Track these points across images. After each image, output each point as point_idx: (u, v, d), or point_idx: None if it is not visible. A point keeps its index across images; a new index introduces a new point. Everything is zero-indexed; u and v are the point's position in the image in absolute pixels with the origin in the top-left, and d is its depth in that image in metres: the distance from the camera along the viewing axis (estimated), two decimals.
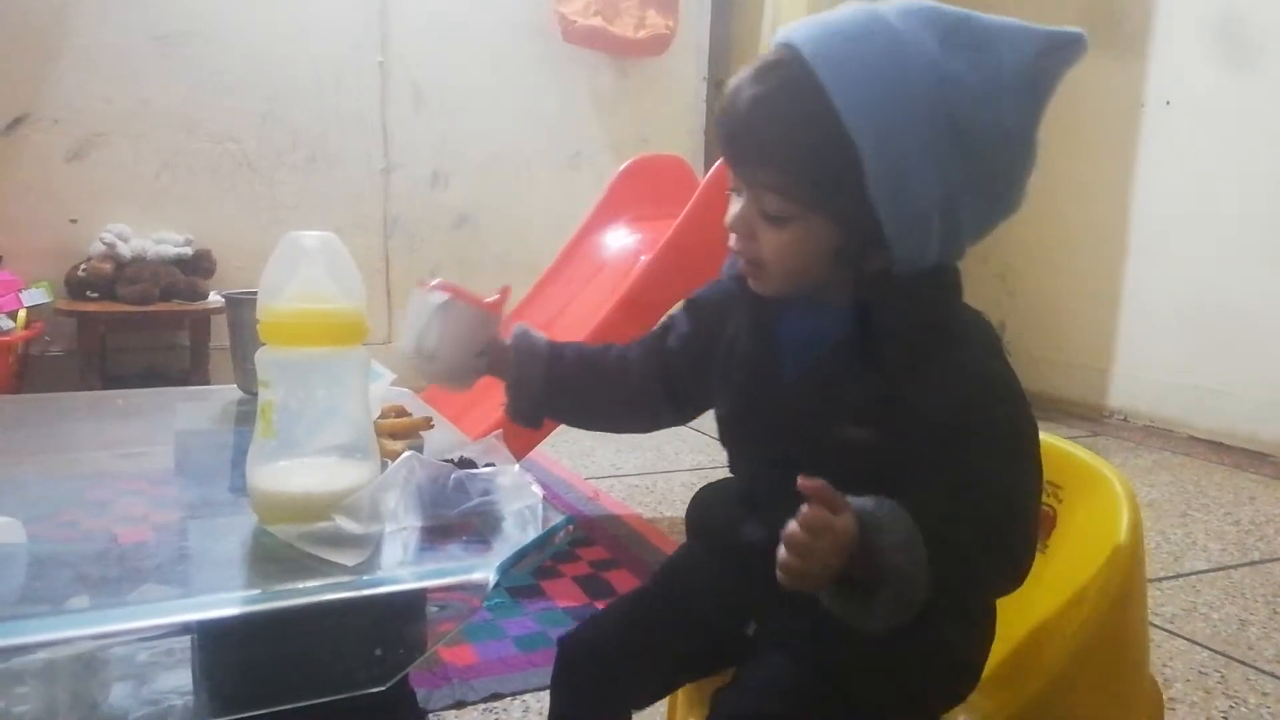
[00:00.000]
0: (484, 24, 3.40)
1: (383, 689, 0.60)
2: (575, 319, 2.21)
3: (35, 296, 2.70)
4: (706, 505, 0.86)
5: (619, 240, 2.43)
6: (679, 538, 0.89)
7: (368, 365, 0.75)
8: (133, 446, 1.01)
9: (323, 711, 0.59)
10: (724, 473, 0.87)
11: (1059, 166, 3.40)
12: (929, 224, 0.69)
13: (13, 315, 2.58)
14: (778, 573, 0.62)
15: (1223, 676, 1.49)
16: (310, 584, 0.60)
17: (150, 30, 2.96)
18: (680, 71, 3.72)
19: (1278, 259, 2.82)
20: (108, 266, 2.84)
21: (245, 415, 1.03)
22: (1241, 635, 1.64)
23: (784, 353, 0.78)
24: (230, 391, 1.17)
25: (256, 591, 0.61)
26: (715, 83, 3.78)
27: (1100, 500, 0.90)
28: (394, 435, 0.88)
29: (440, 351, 0.83)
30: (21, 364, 2.68)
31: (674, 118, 3.73)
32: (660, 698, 0.91)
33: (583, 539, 1.94)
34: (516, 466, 0.76)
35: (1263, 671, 1.51)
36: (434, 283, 0.85)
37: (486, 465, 0.75)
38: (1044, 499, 0.96)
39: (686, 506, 0.89)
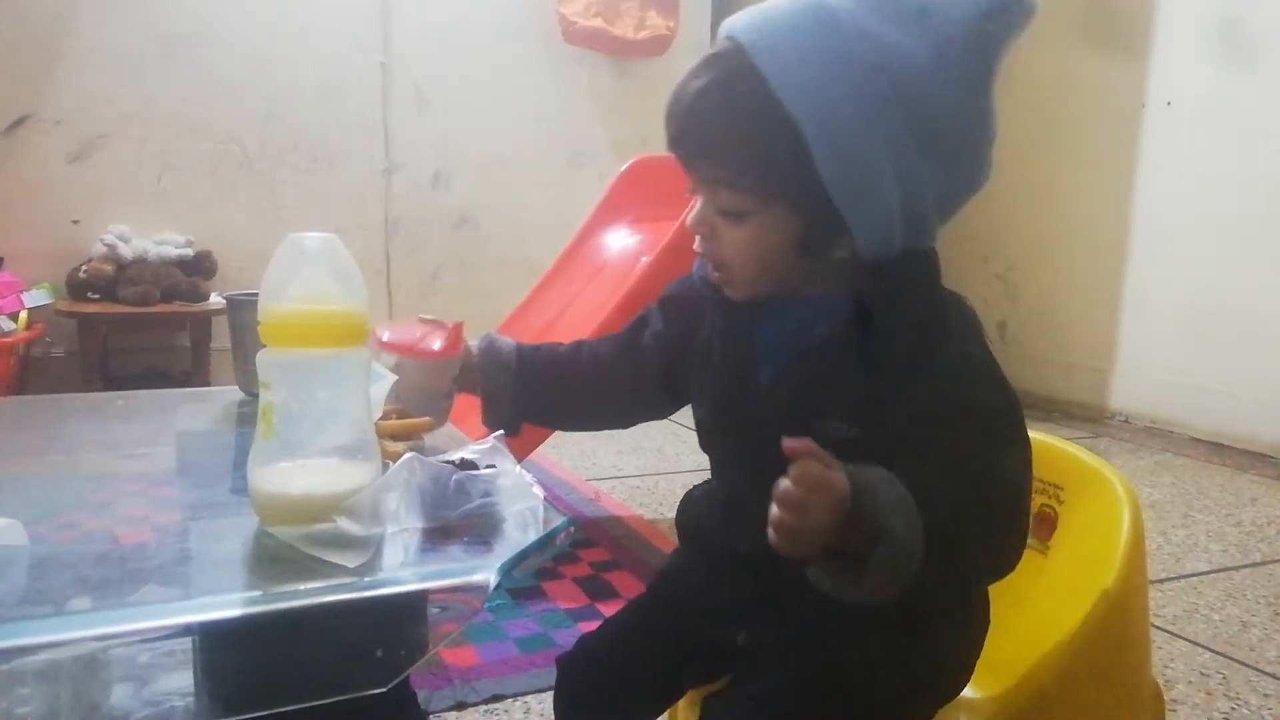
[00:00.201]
0: (485, 25, 3.40)
1: (384, 690, 0.60)
2: (576, 320, 2.22)
3: (36, 298, 2.70)
4: (693, 509, 0.85)
5: (620, 241, 2.43)
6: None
7: (369, 366, 0.75)
8: (134, 448, 1.01)
9: (324, 713, 0.59)
10: None
11: (1060, 167, 3.41)
12: (888, 204, 0.68)
13: (14, 316, 2.59)
14: (771, 534, 0.59)
15: (1224, 678, 1.49)
16: (311, 585, 0.60)
17: (152, 31, 2.97)
18: (681, 72, 3.69)
19: (1278, 260, 2.82)
20: (109, 268, 2.84)
21: (246, 416, 1.03)
22: (1243, 637, 1.64)
23: (759, 356, 0.77)
24: (231, 393, 1.18)
25: (258, 593, 0.61)
26: None
27: (1101, 501, 0.90)
28: (395, 436, 0.88)
29: (402, 404, 0.84)
30: (23, 365, 2.68)
31: None
32: (663, 709, 0.91)
33: (584, 540, 1.94)
34: (518, 468, 0.76)
35: (1264, 673, 1.51)
36: (383, 336, 0.86)
37: (488, 467, 0.75)
38: (1045, 500, 0.96)
39: (676, 510, 0.88)
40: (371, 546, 0.65)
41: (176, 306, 2.89)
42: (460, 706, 1.31)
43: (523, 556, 0.66)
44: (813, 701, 0.72)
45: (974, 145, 0.71)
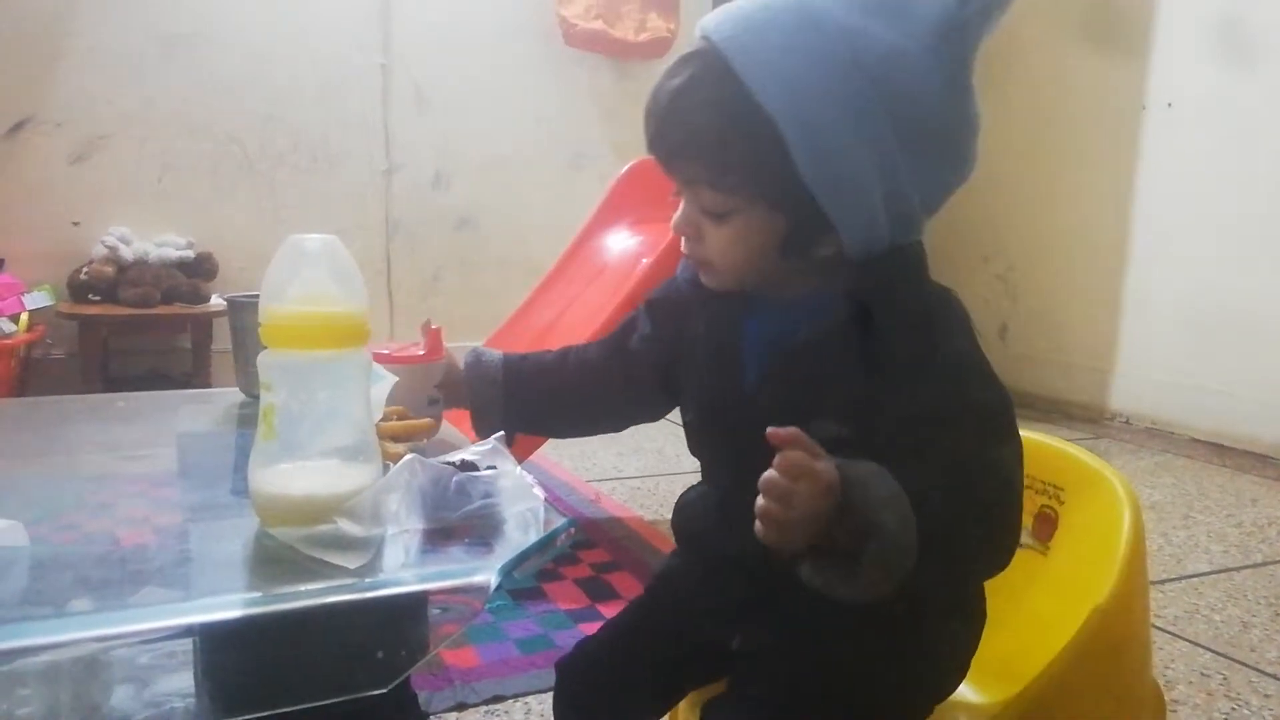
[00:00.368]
0: (486, 26, 3.40)
1: (384, 691, 0.60)
2: (576, 321, 2.22)
3: (37, 299, 2.70)
4: (688, 512, 0.85)
5: (620, 242, 2.44)
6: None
7: (369, 368, 0.75)
8: (134, 449, 1.01)
9: (325, 714, 0.59)
10: None
11: (1060, 168, 3.40)
12: (871, 199, 0.68)
13: (15, 318, 2.59)
14: (757, 525, 0.57)
15: (1225, 679, 1.49)
16: (312, 586, 0.60)
17: (152, 32, 2.97)
18: None
19: (1279, 260, 2.82)
20: (109, 269, 2.85)
21: (247, 418, 1.03)
22: (1244, 637, 1.64)
23: (744, 358, 0.77)
24: (232, 394, 1.17)
25: (258, 594, 0.61)
26: None
27: (1102, 502, 0.90)
28: (396, 438, 0.88)
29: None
30: (23, 367, 2.68)
31: None
32: (663, 712, 0.91)
33: (584, 541, 1.94)
34: (518, 469, 0.76)
35: (1265, 674, 1.51)
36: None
37: (488, 468, 0.75)
38: (1046, 501, 0.96)
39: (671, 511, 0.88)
40: (372, 548, 0.65)
41: (177, 308, 2.89)
42: (461, 707, 1.31)
43: (523, 558, 0.66)
44: (810, 701, 0.72)
45: (957, 138, 0.71)
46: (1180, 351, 3.08)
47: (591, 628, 0.91)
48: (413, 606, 0.63)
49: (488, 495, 0.72)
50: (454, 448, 0.82)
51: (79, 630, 0.54)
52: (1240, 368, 2.90)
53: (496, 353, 0.90)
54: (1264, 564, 2.00)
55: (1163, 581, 1.89)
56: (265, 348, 0.69)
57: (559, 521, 0.71)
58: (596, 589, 1.71)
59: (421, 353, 0.90)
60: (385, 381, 0.86)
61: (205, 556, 0.70)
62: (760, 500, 0.57)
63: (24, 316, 2.62)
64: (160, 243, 2.95)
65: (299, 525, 0.66)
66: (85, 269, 2.86)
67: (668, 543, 2.01)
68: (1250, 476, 2.68)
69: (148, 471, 0.93)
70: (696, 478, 0.86)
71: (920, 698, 0.77)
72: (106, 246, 2.86)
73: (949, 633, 0.77)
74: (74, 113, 2.92)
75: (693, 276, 0.81)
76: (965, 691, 0.80)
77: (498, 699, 1.33)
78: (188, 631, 0.56)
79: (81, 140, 2.94)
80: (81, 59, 2.91)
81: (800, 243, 0.71)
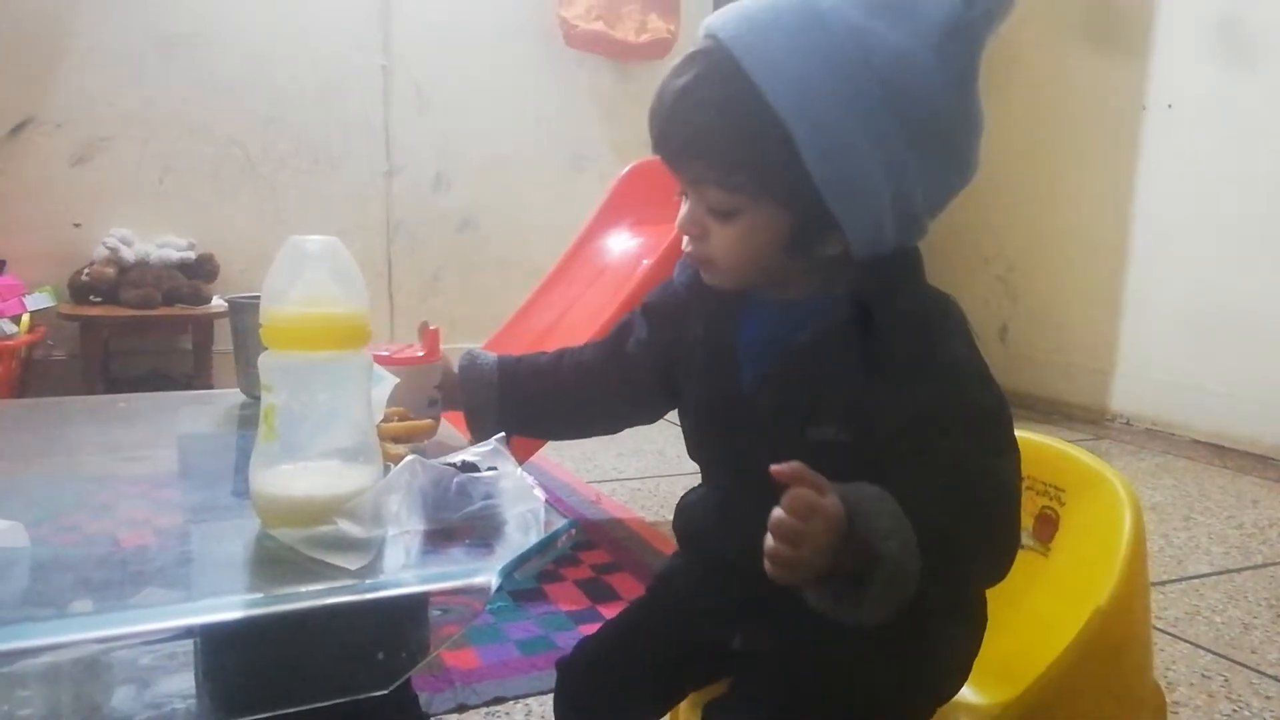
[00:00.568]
0: (486, 27, 3.40)
1: (385, 692, 0.60)
2: (577, 322, 2.22)
3: (38, 301, 2.71)
4: (688, 514, 0.85)
5: (621, 244, 2.44)
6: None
7: (370, 369, 0.75)
8: (135, 450, 1.01)
9: (326, 715, 0.59)
10: None
11: (1060, 168, 3.40)
12: (877, 198, 0.68)
13: (16, 320, 2.59)
14: (767, 565, 0.58)
15: (1226, 680, 1.49)
16: (313, 588, 0.60)
17: (153, 33, 2.97)
18: None
19: (1279, 260, 2.82)
20: (111, 271, 2.85)
21: (248, 419, 1.03)
22: (1245, 639, 1.64)
23: (742, 360, 0.77)
24: (233, 395, 1.18)
25: (259, 595, 0.61)
26: None
27: (1102, 503, 0.90)
28: (396, 439, 0.88)
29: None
30: (24, 368, 2.69)
31: None
32: (664, 712, 0.91)
33: (585, 543, 1.94)
34: (519, 470, 0.76)
35: (1266, 675, 1.51)
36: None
37: (489, 469, 0.75)
38: (1046, 502, 0.96)
39: (673, 513, 0.88)
40: (373, 549, 0.65)
41: (178, 309, 2.89)
42: (461, 709, 1.31)
43: (524, 559, 0.66)
44: (811, 702, 0.72)
45: (962, 139, 0.71)
46: (1180, 352, 3.08)
47: (592, 629, 0.91)
48: (413, 608, 0.63)
49: (488, 496, 0.72)
50: (454, 449, 0.82)
51: (80, 631, 0.54)
52: (1240, 368, 2.90)
53: (491, 355, 0.90)
54: (1265, 565, 2.00)
55: (1163, 583, 1.88)
56: (266, 349, 0.69)
57: (560, 523, 0.71)
58: (597, 590, 1.71)
59: (421, 354, 0.90)
60: (386, 383, 0.86)
61: (206, 558, 0.70)
62: (769, 541, 0.57)
63: (25, 318, 2.62)
64: (161, 244, 2.95)
65: (300, 526, 0.67)
66: (86, 270, 2.86)
67: (668, 544, 2.01)
68: (1251, 478, 2.68)
69: (149, 473, 0.93)
70: (697, 479, 0.86)
71: (921, 699, 0.77)
72: (108, 248, 2.86)
73: (950, 635, 0.77)
74: (75, 114, 2.92)
75: (690, 279, 0.80)
76: (966, 692, 0.80)
77: (498, 700, 1.33)
78: (188, 633, 0.56)
79: (82, 141, 2.94)
80: (82, 60, 2.91)
81: (805, 242, 0.71)
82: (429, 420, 0.94)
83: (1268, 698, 1.44)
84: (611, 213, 2.49)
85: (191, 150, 3.06)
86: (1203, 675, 1.50)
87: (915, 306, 0.71)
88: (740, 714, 0.75)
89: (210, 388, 2.80)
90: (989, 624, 0.80)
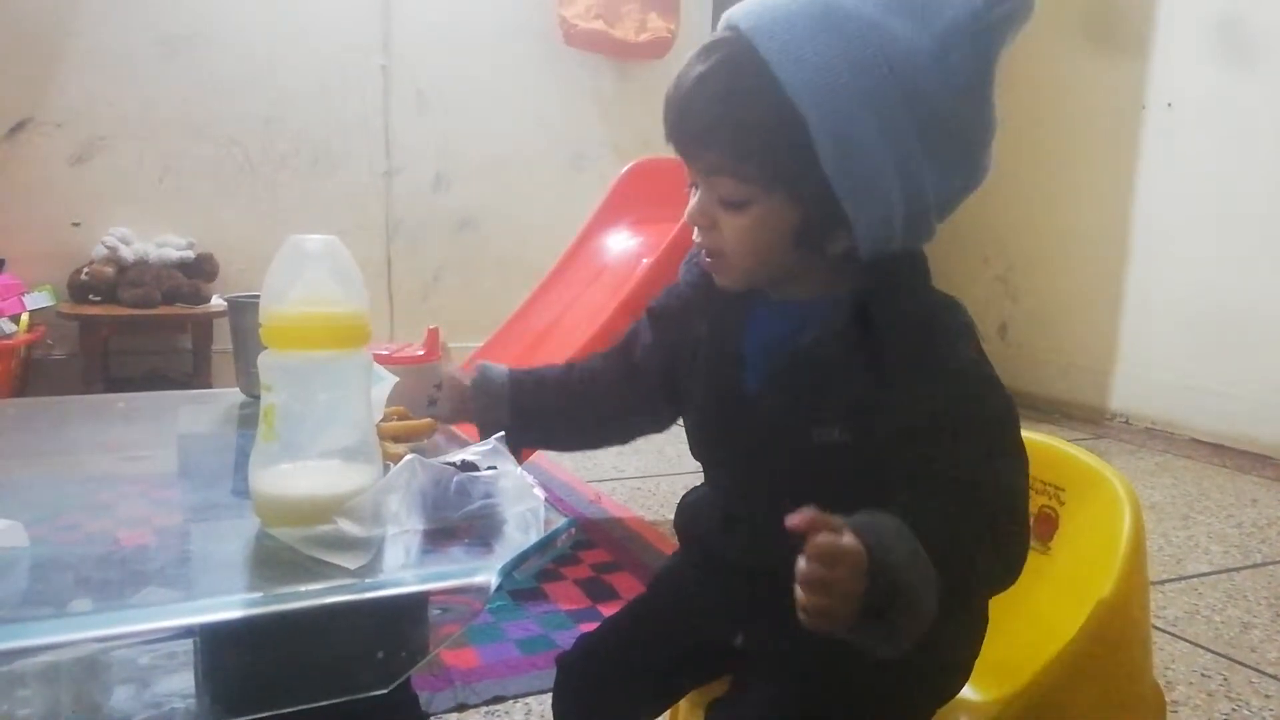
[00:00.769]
0: (486, 27, 3.40)
1: (385, 692, 0.60)
2: (577, 322, 2.22)
3: (38, 300, 2.71)
4: (690, 513, 0.85)
5: (621, 243, 2.44)
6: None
7: (370, 368, 0.75)
8: (135, 450, 1.01)
9: (325, 714, 0.59)
10: None
11: (1060, 168, 3.41)
12: (888, 195, 0.68)
13: (15, 319, 2.59)
14: (803, 618, 0.57)
15: (1225, 679, 1.49)
16: (312, 587, 0.60)
17: (153, 33, 2.97)
18: None
19: (1279, 260, 2.82)
20: (110, 270, 2.85)
21: (247, 418, 1.03)
22: (1244, 638, 1.64)
23: (747, 360, 0.77)
24: (233, 394, 1.18)
25: (259, 594, 0.61)
26: None
27: (1102, 502, 0.90)
28: (396, 438, 0.88)
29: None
30: (24, 367, 2.69)
31: None
32: (663, 709, 0.91)
33: (584, 542, 1.94)
34: (518, 469, 0.76)
35: (1265, 674, 1.51)
36: None
37: (489, 468, 0.75)
38: (1046, 501, 0.96)
39: (674, 512, 0.88)
40: (372, 548, 0.65)
41: (178, 309, 2.89)
42: (461, 708, 1.31)
43: (523, 558, 0.66)
44: (812, 702, 0.72)
45: (975, 142, 0.71)
46: (1180, 351, 3.08)
47: (592, 628, 0.91)
48: (413, 607, 0.63)
49: (488, 495, 0.72)
50: (463, 443, 0.82)
51: (79, 631, 0.54)
52: (1240, 368, 2.91)
53: (502, 368, 0.90)
54: (1264, 564, 2.00)
55: (1163, 582, 1.89)
56: (266, 348, 0.69)
57: (559, 522, 0.71)
58: (597, 589, 1.71)
59: (421, 353, 0.90)
60: (386, 382, 0.86)
61: (206, 557, 0.70)
62: (800, 593, 0.56)
63: (24, 317, 2.62)
64: (161, 243, 2.95)
65: (299, 526, 0.67)
66: (86, 269, 2.86)
67: (668, 543, 2.02)
68: (1250, 477, 2.68)
69: (148, 472, 0.93)
70: (697, 478, 0.86)
71: (922, 699, 0.77)
72: (107, 247, 2.86)
73: (952, 635, 0.77)
74: (74, 114, 2.92)
75: (695, 278, 0.81)
76: (966, 691, 0.80)
77: (498, 699, 1.33)
78: (188, 632, 0.56)
79: (82, 141, 2.94)
80: (82, 60, 2.91)
81: (814, 237, 0.71)
82: (429, 420, 0.94)
83: (1267, 696, 1.44)
84: (611, 212, 2.49)
85: (191, 150, 3.06)
86: (1202, 674, 1.50)
87: (920, 308, 0.71)
88: (743, 713, 0.75)
89: (209, 387, 2.80)
90: (989, 623, 0.80)
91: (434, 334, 0.91)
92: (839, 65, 0.66)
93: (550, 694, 0.88)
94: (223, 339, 2.83)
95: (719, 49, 0.70)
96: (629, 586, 1.71)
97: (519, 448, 0.88)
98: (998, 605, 0.81)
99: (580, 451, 0.91)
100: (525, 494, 0.73)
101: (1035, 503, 0.96)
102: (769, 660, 0.76)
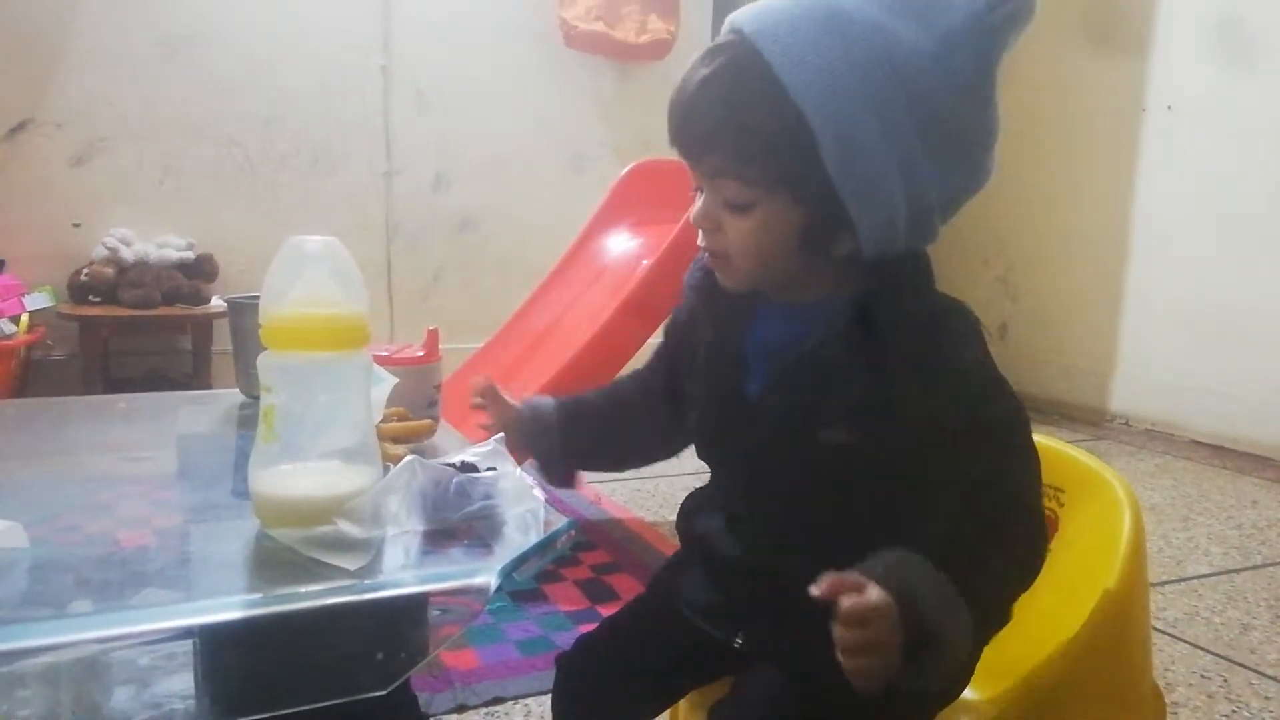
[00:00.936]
0: (486, 28, 3.40)
1: (384, 693, 0.60)
2: (577, 322, 2.22)
3: (37, 301, 2.70)
4: (693, 513, 0.86)
5: (621, 244, 2.44)
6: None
7: (370, 369, 0.75)
8: (135, 450, 1.01)
9: (325, 715, 0.59)
10: None
11: (1060, 170, 3.41)
12: (891, 196, 0.68)
13: (15, 319, 2.59)
14: (853, 682, 0.59)
15: (1225, 681, 1.49)
16: (312, 588, 0.60)
17: (153, 34, 2.97)
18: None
19: (1279, 260, 2.82)
20: (110, 271, 2.84)
21: (247, 419, 1.03)
22: (1244, 639, 1.64)
23: (750, 363, 0.77)
24: (232, 395, 1.18)
25: (258, 595, 0.61)
26: None
27: (1102, 504, 0.90)
28: (396, 439, 0.89)
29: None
30: (24, 368, 2.68)
31: None
32: (663, 709, 0.91)
33: (584, 543, 1.94)
34: (518, 470, 0.76)
35: (1265, 676, 1.51)
36: None
37: (488, 469, 0.75)
38: (1046, 503, 0.96)
39: (676, 513, 0.89)
40: (372, 549, 0.65)
41: (178, 309, 2.89)
42: (461, 709, 1.31)
43: (523, 559, 0.66)
44: (813, 703, 0.72)
45: (977, 143, 0.71)
46: (1180, 352, 3.08)
47: (591, 629, 0.91)
48: (413, 608, 0.63)
49: (488, 496, 0.72)
50: (462, 444, 0.82)
51: (79, 631, 0.54)
52: (1240, 368, 2.91)
53: (549, 401, 0.91)
54: (1264, 566, 2.00)
55: (1163, 584, 1.88)
56: (266, 349, 0.69)
57: (559, 523, 0.71)
58: (596, 590, 1.71)
59: (420, 354, 0.90)
60: (385, 383, 0.87)
61: (205, 558, 0.71)
62: (844, 660, 0.58)
63: (24, 318, 2.62)
64: (161, 244, 2.95)
65: (299, 526, 0.67)
66: (86, 270, 2.86)
67: (668, 544, 2.02)
68: (1250, 478, 2.68)
69: (148, 473, 0.93)
70: (697, 480, 0.87)
71: (925, 700, 0.77)
72: (107, 248, 2.86)
73: None
74: (74, 114, 2.92)
75: (699, 282, 0.81)
76: (966, 691, 0.80)
77: (498, 701, 1.33)
78: (188, 633, 0.56)
79: (82, 142, 2.94)
80: (82, 60, 2.91)
81: (818, 239, 0.71)
82: (428, 420, 0.94)
83: (1267, 698, 1.44)
84: (611, 213, 2.49)
85: (191, 150, 3.06)
86: (1202, 676, 1.50)
87: (923, 309, 0.72)
88: (744, 714, 0.75)
89: (209, 388, 2.80)
90: None
91: (434, 334, 0.91)
92: (842, 67, 0.66)
93: (549, 696, 0.88)
94: (222, 340, 2.83)
95: (723, 52, 0.70)
96: (629, 587, 1.71)
97: (572, 475, 0.90)
98: None
99: (634, 469, 0.93)
100: (525, 495, 0.73)
101: None
102: (769, 662, 0.76)
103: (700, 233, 0.75)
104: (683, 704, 0.92)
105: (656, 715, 0.90)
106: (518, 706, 1.33)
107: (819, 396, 0.72)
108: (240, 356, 1.18)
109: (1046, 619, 0.87)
